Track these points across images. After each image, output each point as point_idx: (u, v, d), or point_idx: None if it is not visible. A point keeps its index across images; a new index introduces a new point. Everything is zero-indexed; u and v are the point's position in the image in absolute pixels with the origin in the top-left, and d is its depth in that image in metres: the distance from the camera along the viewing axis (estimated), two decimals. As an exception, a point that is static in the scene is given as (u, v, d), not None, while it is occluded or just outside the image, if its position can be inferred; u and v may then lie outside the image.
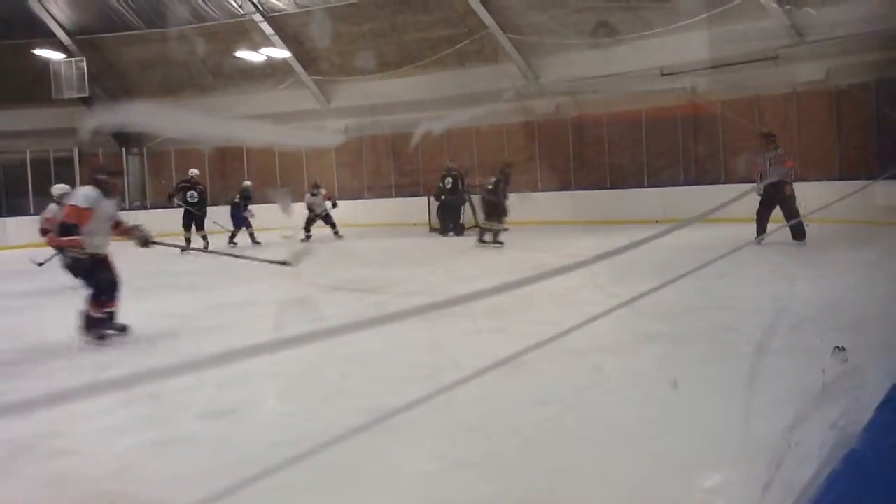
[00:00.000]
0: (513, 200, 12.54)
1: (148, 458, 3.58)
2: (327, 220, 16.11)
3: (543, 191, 17.46)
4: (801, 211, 9.57)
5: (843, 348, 3.48)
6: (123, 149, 21.50)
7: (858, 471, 1.41)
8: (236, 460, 3.41)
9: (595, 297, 6.40)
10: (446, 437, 3.46)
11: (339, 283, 9.24)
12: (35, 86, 20.21)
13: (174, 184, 16.30)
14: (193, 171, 15.53)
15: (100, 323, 6.10)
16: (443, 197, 15.89)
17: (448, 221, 15.83)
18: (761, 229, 9.91)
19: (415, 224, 17.61)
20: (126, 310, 7.56)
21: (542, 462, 3.27)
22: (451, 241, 14.72)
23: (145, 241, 6.48)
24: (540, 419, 3.83)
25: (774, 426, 2.85)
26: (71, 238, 6.00)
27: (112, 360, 5.51)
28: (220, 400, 4.28)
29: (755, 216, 9.98)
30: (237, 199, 15.73)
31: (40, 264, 11.29)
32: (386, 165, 19.82)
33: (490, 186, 12.62)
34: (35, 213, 12.73)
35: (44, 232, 9.69)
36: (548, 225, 16.20)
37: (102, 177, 6.29)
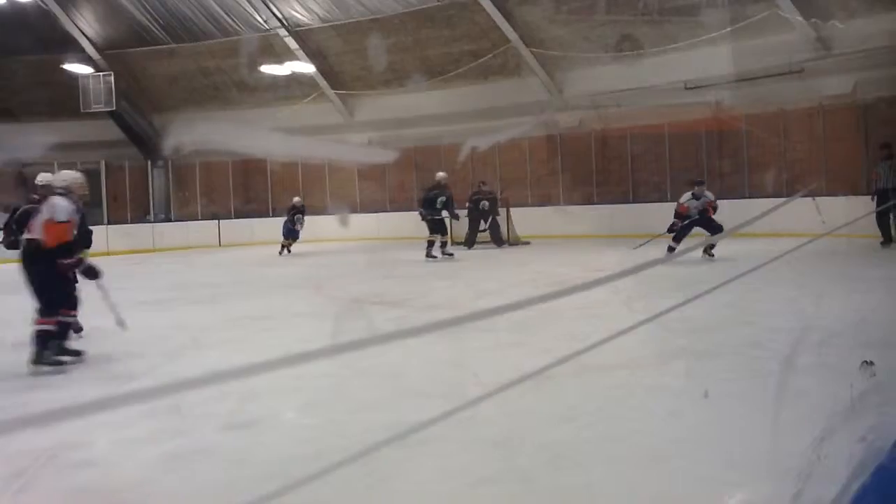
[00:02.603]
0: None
1: (168, 471, 3.58)
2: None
3: (566, 204, 17.43)
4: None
5: (871, 363, 3.43)
6: (149, 161, 21.77)
7: (888, 486, 1.39)
8: (257, 474, 3.42)
9: (620, 311, 6.36)
10: (469, 452, 3.45)
11: (359, 296, 9.26)
12: (64, 99, 20.56)
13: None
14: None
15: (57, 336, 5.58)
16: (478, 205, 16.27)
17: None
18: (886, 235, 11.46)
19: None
20: (149, 322, 7.63)
21: (567, 479, 3.24)
22: (473, 254, 14.73)
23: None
24: (564, 435, 3.80)
25: (802, 442, 2.81)
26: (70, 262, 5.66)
27: (135, 371, 5.55)
28: (242, 413, 4.29)
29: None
30: (288, 215, 16.99)
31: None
32: (408, 179, 19.89)
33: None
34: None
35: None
36: (571, 239, 16.15)
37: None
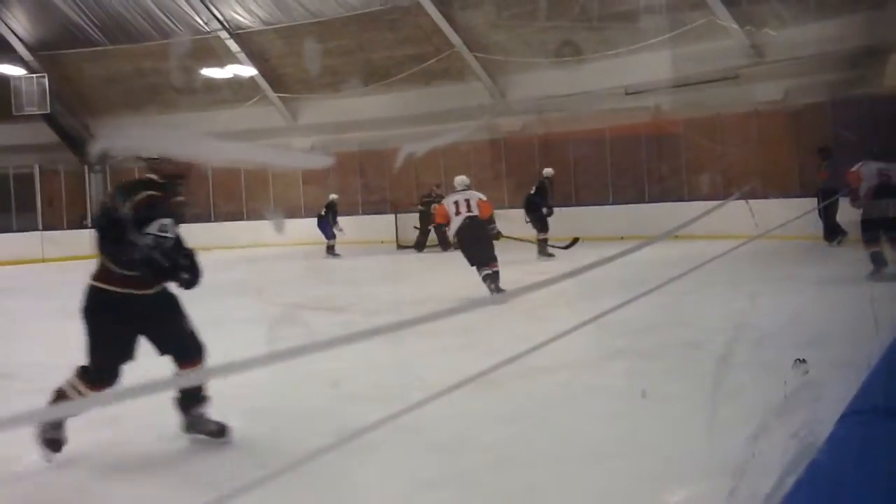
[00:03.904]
0: None
1: (106, 484, 3.49)
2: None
3: (510, 207, 17.56)
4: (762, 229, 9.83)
5: (804, 360, 3.54)
6: (86, 166, 21.21)
7: (821, 481, 1.44)
8: (198, 483, 3.36)
9: (563, 313, 6.43)
10: (413, 457, 3.44)
11: (302, 301, 9.17)
12: (-6, 102, 19.92)
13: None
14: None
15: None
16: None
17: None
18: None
19: (382, 242, 17.58)
20: (73, 329, 7.43)
21: (510, 481, 3.27)
22: (418, 258, 14.74)
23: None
24: (508, 437, 3.83)
25: (737, 440, 2.89)
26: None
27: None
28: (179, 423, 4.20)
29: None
30: (323, 213, 16.68)
31: None
32: (353, 183, 19.79)
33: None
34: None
35: None
36: (516, 242, 16.25)
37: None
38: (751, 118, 15.27)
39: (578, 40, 16.65)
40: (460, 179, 9.38)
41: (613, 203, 16.74)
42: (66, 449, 3.75)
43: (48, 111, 20.40)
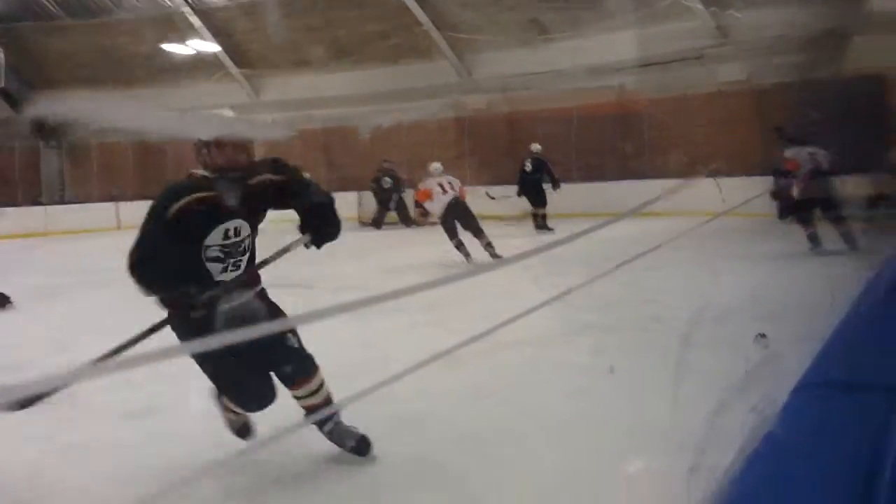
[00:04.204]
0: None
1: (64, 464, 3.44)
2: None
3: (475, 185, 17.56)
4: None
5: (764, 335, 3.60)
6: (41, 142, 20.72)
7: (775, 451, 1.46)
8: (161, 463, 3.33)
9: (529, 289, 6.46)
10: (379, 434, 3.45)
11: (266, 278, 9.09)
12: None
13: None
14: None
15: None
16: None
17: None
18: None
19: (346, 218, 17.49)
20: (43, 308, 7.30)
21: (476, 457, 3.29)
22: (383, 235, 14.70)
23: None
24: (474, 413, 3.85)
25: (699, 414, 2.93)
26: None
27: (24, 360, 5.29)
28: (142, 401, 4.16)
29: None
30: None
31: None
32: (317, 159, 19.62)
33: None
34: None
35: None
36: (482, 219, 16.25)
37: None
38: (715, 98, 15.40)
39: (544, 19, 16.62)
40: (437, 166, 10.68)
41: (578, 181, 16.79)
42: (19, 429, 3.69)
43: (2, 85, 19.88)
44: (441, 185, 9.87)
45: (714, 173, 11.71)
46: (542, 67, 16.28)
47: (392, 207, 16.65)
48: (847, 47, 13.27)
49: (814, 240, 8.80)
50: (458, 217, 9.71)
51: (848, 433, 1.79)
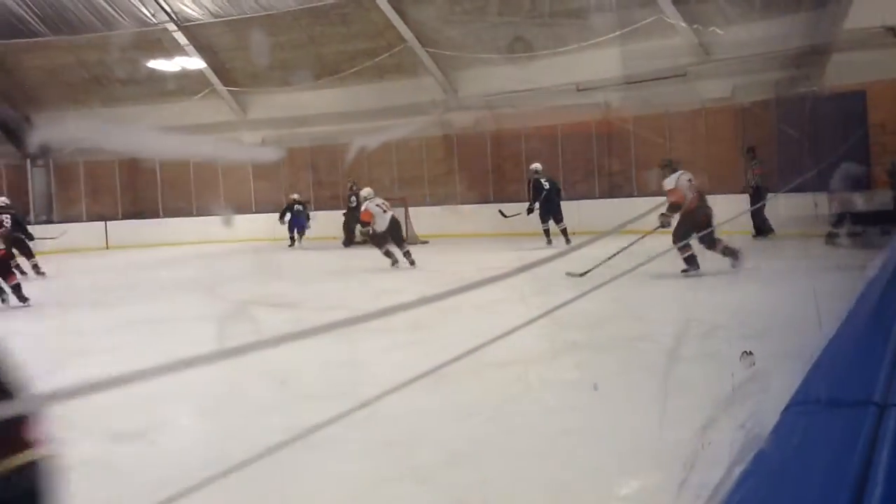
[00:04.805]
0: None
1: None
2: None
3: (463, 203, 17.59)
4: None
5: (751, 353, 3.61)
6: (28, 160, 20.59)
7: (766, 470, 1.46)
8: (149, 483, 3.29)
9: (516, 308, 6.46)
10: (367, 453, 3.43)
11: (253, 298, 9.06)
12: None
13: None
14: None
15: None
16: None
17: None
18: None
19: (334, 238, 17.46)
20: (30, 328, 7.25)
21: (463, 475, 3.28)
22: (368, 254, 14.67)
23: None
24: (461, 432, 3.84)
25: (688, 430, 2.93)
26: None
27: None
28: (131, 421, 4.12)
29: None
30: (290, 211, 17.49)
31: None
32: (304, 178, 19.61)
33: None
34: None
35: None
36: (468, 238, 16.30)
37: None
38: (699, 115, 15.52)
39: (529, 36, 16.73)
40: (368, 191, 12.41)
41: (566, 199, 16.86)
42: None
43: (-14, 103, 19.81)
44: (380, 206, 11.62)
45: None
46: (527, 85, 16.37)
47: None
48: (827, 64, 13.43)
49: (692, 262, 8.65)
50: (391, 231, 11.50)
51: (838, 450, 1.80)
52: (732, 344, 4.37)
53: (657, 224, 8.77)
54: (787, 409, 2.38)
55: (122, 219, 20.41)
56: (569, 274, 7.81)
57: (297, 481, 3.27)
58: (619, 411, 3.92)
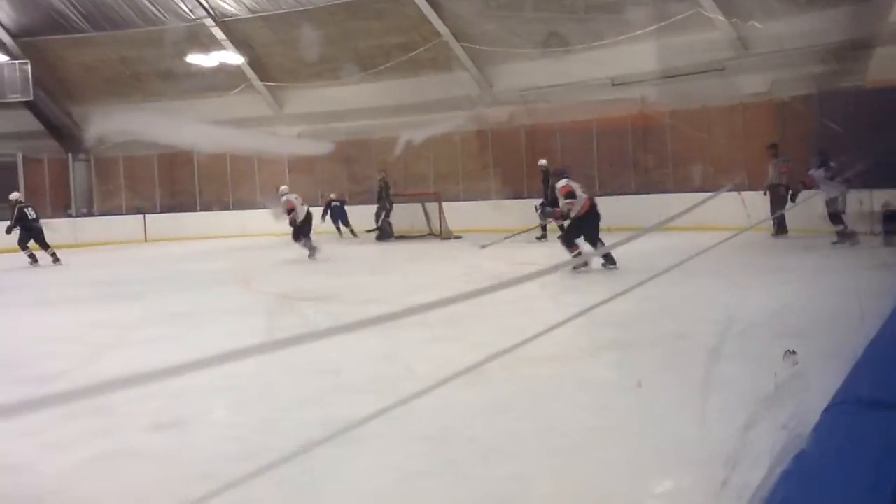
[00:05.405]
0: None
1: (92, 474, 3.47)
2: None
3: (498, 198, 17.54)
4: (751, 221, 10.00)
5: (794, 352, 3.57)
6: (69, 154, 20.99)
7: (808, 471, 1.45)
8: (187, 475, 3.34)
9: (550, 305, 6.45)
10: (404, 447, 3.45)
11: (290, 291, 9.15)
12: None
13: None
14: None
15: None
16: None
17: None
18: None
19: (368, 231, 17.54)
20: (71, 319, 7.39)
21: (499, 471, 3.28)
22: (404, 247, 14.73)
23: None
24: (497, 428, 3.84)
25: (728, 430, 2.91)
26: None
27: (54, 371, 5.35)
28: (170, 413, 4.19)
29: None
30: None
31: None
32: (339, 172, 19.73)
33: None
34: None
35: None
36: (502, 233, 16.25)
37: None
38: (736, 110, 15.29)
39: (565, 31, 16.62)
40: (285, 188, 13.84)
41: (600, 194, 16.72)
42: (51, 438, 3.74)
43: (31, 98, 20.20)
44: (298, 199, 13.04)
45: (738, 187, 11.67)
46: (562, 79, 16.27)
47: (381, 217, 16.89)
48: (871, 58, 13.15)
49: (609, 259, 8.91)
50: (306, 223, 12.89)
51: (879, 451, 1.77)
52: (772, 343, 4.31)
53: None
54: (827, 409, 2.35)
55: (160, 212, 20.71)
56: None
57: (332, 475, 3.30)
58: (657, 410, 3.89)
